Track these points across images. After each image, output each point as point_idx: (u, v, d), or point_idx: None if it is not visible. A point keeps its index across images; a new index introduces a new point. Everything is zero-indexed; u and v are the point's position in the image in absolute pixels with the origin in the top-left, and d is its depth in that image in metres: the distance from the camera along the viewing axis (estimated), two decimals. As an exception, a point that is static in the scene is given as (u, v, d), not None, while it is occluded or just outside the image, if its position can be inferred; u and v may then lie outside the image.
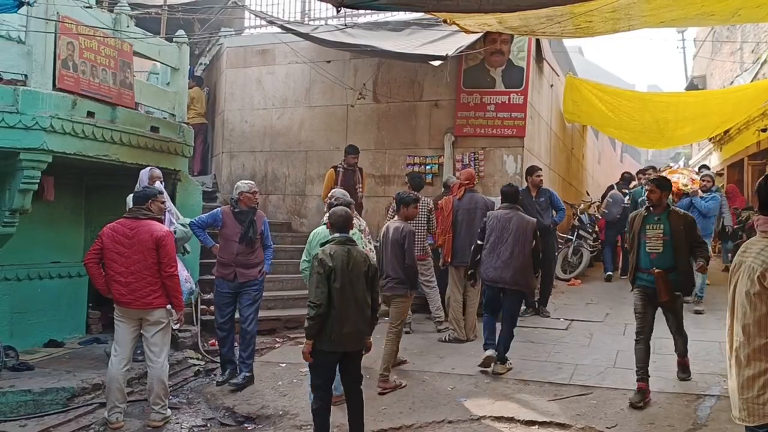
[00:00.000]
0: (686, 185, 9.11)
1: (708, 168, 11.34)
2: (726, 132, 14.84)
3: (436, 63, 8.87)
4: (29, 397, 5.83)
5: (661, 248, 5.69)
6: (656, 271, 5.59)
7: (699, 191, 9.27)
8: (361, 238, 6.18)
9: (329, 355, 4.72)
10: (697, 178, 9.55)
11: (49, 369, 6.56)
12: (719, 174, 15.05)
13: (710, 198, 9.33)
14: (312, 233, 5.99)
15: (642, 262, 5.77)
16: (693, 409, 5.34)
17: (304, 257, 5.95)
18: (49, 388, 5.95)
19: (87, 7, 7.12)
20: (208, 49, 12.55)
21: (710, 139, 16.57)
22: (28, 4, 5.04)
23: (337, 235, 4.89)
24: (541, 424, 5.24)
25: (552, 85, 11.81)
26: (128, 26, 7.71)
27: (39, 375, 6.35)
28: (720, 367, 6.32)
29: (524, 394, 5.86)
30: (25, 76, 6.45)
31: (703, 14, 5.56)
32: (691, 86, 20.27)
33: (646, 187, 6.52)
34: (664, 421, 5.13)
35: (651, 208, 5.85)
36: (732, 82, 15.66)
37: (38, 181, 6.50)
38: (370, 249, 6.62)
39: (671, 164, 10.50)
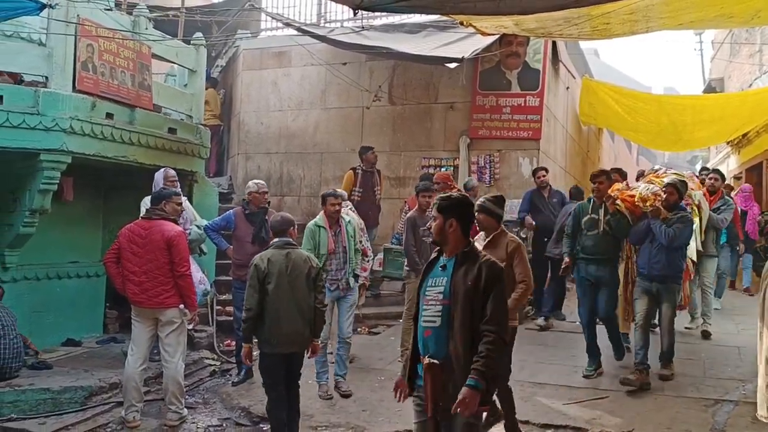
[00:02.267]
0: (647, 199, 6.18)
1: (709, 170, 10.01)
2: (744, 135, 14.70)
3: (452, 65, 8.88)
4: (48, 395, 5.89)
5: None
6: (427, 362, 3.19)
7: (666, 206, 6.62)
8: (354, 233, 6.49)
9: (273, 357, 4.85)
10: (685, 179, 7.05)
11: (68, 368, 6.62)
12: (737, 177, 14.91)
13: (723, 206, 7.99)
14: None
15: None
16: (710, 414, 5.30)
17: None
18: (68, 386, 6.00)
19: (107, 10, 7.19)
20: (224, 51, 12.63)
21: (728, 142, 16.41)
22: (50, 6, 5.09)
23: (276, 240, 5.05)
24: (557, 427, 5.22)
25: (568, 88, 11.77)
26: (147, 29, 7.77)
27: (57, 374, 6.41)
28: (738, 372, 6.27)
29: (540, 398, 5.83)
30: (46, 77, 6.53)
31: (723, 16, 5.53)
32: (709, 89, 20.08)
33: None
34: (681, 425, 5.09)
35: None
36: (751, 85, 15.49)
37: (58, 181, 6.57)
38: (367, 246, 7.10)
39: (655, 167, 9.00)
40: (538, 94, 9.64)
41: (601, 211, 6.27)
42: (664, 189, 6.19)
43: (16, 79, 6.61)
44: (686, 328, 7.73)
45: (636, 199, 6.31)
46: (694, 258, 7.34)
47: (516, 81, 9.71)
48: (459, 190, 7.98)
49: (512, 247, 4.76)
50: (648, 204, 6.17)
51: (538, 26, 5.97)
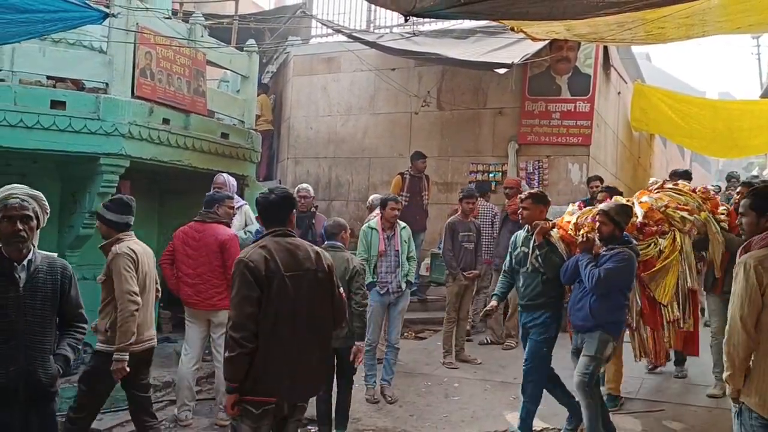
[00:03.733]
0: (582, 226, 5.22)
1: (739, 180, 8.69)
2: (804, 141, 14.21)
3: (502, 71, 8.84)
4: (105, 392, 6.07)
5: None
6: None
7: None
8: (409, 239, 6.56)
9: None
10: (627, 203, 5.54)
11: (123, 366, 6.81)
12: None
13: None
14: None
15: None
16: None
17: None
18: (123, 384, 6.17)
19: (166, 18, 7.40)
20: (275, 57, 12.83)
21: (787, 149, 15.90)
22: (113, 15, 5.28)
23: (325, 243, 5.12)
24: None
25: (619, 93, 11.59)
26: (202, 36, 7.96)
27: (113, 371, 6.60)
28: None
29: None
30: (106, 84, 6.74)
31: (784, 20, 5.38)
32: (767, 94, 19.50)
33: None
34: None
35: None
36: (811, 89, 15.00)
37: (116, 184, 6.77)
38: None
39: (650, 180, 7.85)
40: (588, 99, 9.52)
41: (532, 243, 5.14)
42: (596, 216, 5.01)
43: (79, 85, 6.85)
44: (708, 396, 6.03)
45: (569, 227, 5.29)
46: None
47: (566, 86, 9.61)
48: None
49: None
50: (581, 233, 5.07)
51: (590, 31, 5.90)
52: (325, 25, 11.65)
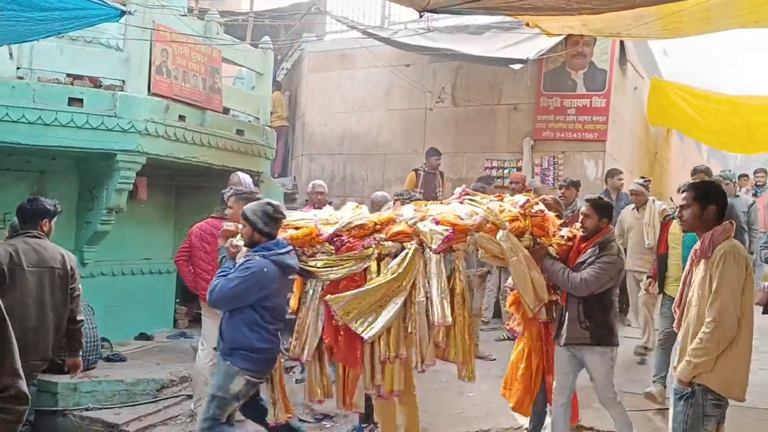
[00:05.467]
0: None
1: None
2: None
3: (517, 66, 8.80)
4: (122, 386, 6.16)
5: None
6: None
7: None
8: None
9: None
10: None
11: (140, 361, 6.90)
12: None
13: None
14: None
15: None
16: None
17: None
18: (141, 378, 6.26)
19: (182, 15, 7.45)
20: (289, 54, 12.85)
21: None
22: (129, 13, 5.32)
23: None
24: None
25: (636, 88, 11.49)
26: (217, 33, 8.01)
27: (130, 366, 6.68)
28: None
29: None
30: (123, 81, 6.82)
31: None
32: (786, 88, 19.25)
33: None
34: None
35: None
36: (831, 84, 14.79)
37: (133, 181, 6.85)
38: None
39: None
40: (604, 94, 9.45)
41: None
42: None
43: (96, 83, 6.92)
44: (646, 394, 5.77)
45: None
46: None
47: (582, 82, 9.54)
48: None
49: None
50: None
51: (606, 26, 5.86)
52: (339, 21, 11.65)
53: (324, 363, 4.41)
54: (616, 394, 4.66)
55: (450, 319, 4.25)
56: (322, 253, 4.29)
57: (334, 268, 4.25)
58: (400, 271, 4.23)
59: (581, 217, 4.59)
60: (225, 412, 4.18)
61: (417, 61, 10.62)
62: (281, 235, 4.30)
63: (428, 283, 4.28)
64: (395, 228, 4.41)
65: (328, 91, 11.78)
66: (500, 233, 4.37)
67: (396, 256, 4.31)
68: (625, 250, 6.86)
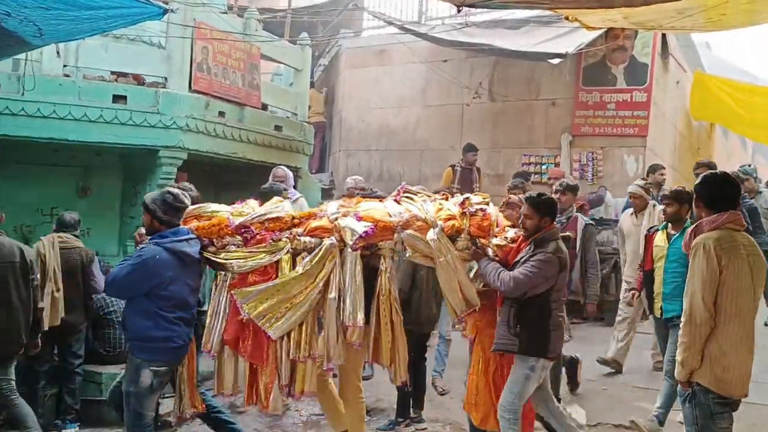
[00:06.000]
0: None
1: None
2: None
3: (555, 61, 8.72)
4: (165, 377, 6.26)
5: None
6: None
7: None
8: None
9: None
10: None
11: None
12: None
13: None
14: None
15: None
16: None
17: None
18: (182, 370, 6.35)
19: (222, 13, 7.56)
20: (327, 50, 12.93)
21: None
22: (171, 11, 5.43)
23: None
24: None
25: (678, 82, 11.27)
26: (256, 30, 8.10)
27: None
28: None
29: (644, 403, 5.66)
30: (165, 78, 6.94)
31: None
32: (836, 82, 18.69)
33: None
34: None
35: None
36: None
37: (174, 176, 6.96)
38: None
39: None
40: (645, 89, 9.31)
41: None
42: None
43: (139, 80, 7.06)
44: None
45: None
46: None
47: (622, 76, 9.41)
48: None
49: None
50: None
51: (648, 19, 5.76)
52: (376, 17, 11.69)
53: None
54: (516, 411, 4.09)
55: (360, 319, 4.05)
56: (233, 245, 4.17)
57: (241, 260, 4.10)
58: (308, 267, 4.06)
59: (521, 217, 4.24)
60: (147, 406, 4.11)
61: (454, 56, 10.59)
62: (190, 225, 4.23)
63: (343, 280, 4.11)
64: (315, 223, 4.26)
65: (365, 87, 11.82)
66: (430, 232, 4.13)
67: (313, 251, 4.15)
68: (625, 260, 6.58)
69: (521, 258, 4.10)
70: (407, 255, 4.22)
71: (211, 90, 7.19)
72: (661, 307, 4.95)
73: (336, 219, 4.23)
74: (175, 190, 4.25)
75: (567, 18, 6.14)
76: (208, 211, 4.38)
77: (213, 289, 4.28)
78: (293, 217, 4.31)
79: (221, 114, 7.29)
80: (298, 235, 4.17)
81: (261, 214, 4.23)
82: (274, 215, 4.25)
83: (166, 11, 5.26)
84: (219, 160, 7.53)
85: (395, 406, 5.49)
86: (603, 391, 6.11)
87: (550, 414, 4.40)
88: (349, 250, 4.10)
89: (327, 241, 4.11)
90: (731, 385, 3.34)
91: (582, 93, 9.63)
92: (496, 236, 4.34)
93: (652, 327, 5.65)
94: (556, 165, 9.68)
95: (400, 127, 11.41)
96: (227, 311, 4.13)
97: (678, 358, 3.42)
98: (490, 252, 4.26)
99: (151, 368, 4.01)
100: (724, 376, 3.31)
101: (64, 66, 6.63)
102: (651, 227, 5.51)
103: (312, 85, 12.64)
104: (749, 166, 9.68)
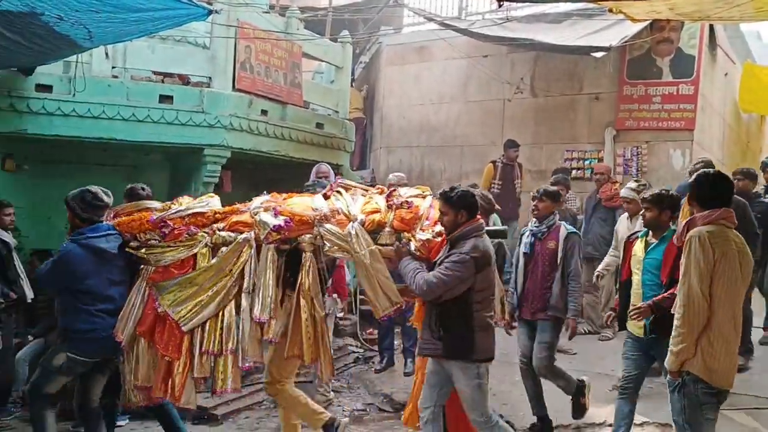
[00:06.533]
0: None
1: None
2: None
3: (599, 54, 8.59)
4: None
5: None
6: None
7: None
8: None
9: None
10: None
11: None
12: None
13: None
14: None
15: None
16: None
17: None
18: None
19: (265, 13, 7.66)
20: (367, 47, 12.97)
21: None
22: (215, 12, 5.53)
23: None
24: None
25: (726, 74, 10.98)
26: (298, 29, 8.19)
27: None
28: None
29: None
30: (209, 78, 7.07)
31: None
32: None
33: None
34: None
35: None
36: None
37: (219, 174, 7.10)
38: None
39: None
40: (692, 81, 9.09)
41: None
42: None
43: (185, 80, 7.21)
44: None
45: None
46: None
47: (668, 69, 9.21)
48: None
49: None
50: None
51: (695, 9, 5.64)
52: (417, 13, 11.68)
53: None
54: (490, 417, 4.02)
55: (266, 315, 4.09)
56: (155, 240, 4.34)
57: (159, 254, 4.28)
58: (217, 260, 4.17)
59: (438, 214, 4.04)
60: (49, 385, 4.31)
61: (495, 51, 10.52)
62: (114, 221, 4.43)
63: (257, 275, 4.17)
64: (236, 218, 4.36)
65: (406, 84, 11.82)
66: (349, 225, 4.11)
67: None
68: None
69: (438, 259, 3.96)
70: (325, 249, 4.18)
71: (254, 89, 7.29)
72: (644, 326, 4.28)
73: (256, 213, 4.29)
74: (95, 188, 4.44)
75: (611, 10, 6.06)
76: (154, 207, 4.55)
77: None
78: (216, 212, 4.45)
79: (264, 112, 7.39)
80: (218, 230, 4.29)
81: (182, 210, 4.41)
82: (195, 210, 4.41)
83: (210, 12, 5.36)
84: (262, 158, 7.64)
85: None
86: (649, 390, 6.01)
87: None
88: (267, 244, 4.18)
89: (241, 236, 4.22)
90: (720, 376, 3.43)
91: (626, 87, 9.46)
92: (423, 230, 4.16)
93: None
94: (600, 160, 9.52)
95: (440, 123, 11.38)
96: (145, 301, 4.27)
97: (673, 348, 3.47)
98: (412, 246, 4.09)
99: (66, 353, 4.24)
100: (714, 366, 3.40)
101: (113, 67, 6.81)
102: (632, 233, 4.95)
103: (352, 82, 12.71)
104: None
